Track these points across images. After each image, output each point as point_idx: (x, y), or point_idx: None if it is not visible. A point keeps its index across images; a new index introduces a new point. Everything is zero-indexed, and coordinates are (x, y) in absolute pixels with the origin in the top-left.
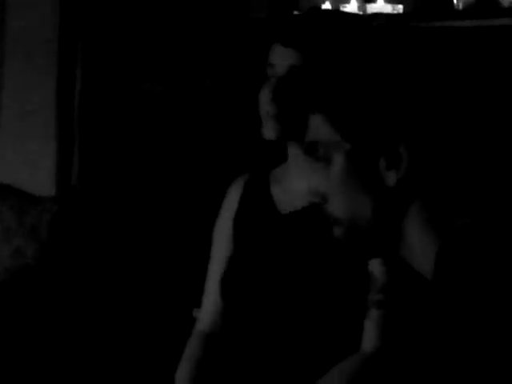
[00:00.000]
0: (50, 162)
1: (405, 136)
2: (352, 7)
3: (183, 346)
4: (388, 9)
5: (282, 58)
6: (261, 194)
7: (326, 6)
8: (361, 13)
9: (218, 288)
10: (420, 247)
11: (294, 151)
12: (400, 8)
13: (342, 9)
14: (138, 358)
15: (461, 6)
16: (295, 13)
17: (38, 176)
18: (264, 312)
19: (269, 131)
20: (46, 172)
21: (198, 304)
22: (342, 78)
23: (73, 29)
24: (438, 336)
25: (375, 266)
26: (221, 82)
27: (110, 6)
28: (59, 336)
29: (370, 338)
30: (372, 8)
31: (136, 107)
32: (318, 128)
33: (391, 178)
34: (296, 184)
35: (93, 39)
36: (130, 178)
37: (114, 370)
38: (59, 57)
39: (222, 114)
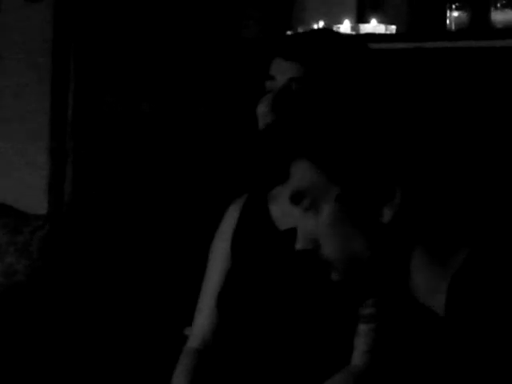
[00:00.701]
0: (42, 181)
1: (397, 171)
2: (345, 27)
3: (174, 362)
4: (381, 29)
5: (282, 71)
6: (259, 213)
7: (320, 26)
8: (354, 33)
9: (212, 304)
10: (425, 283)
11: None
12: (393, 28)
13: (335, 29)
14: (130, 375)
15: (453, 27)
16: (288, 33)
17: (30, 194)
18: (259, 328)
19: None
20: (38, 190)
21: (190, 322)
22: (327, 114)
23: (65, 45)
24: (442, 361)
25: None
26: (214, 104)
27: (105, 21)
28: (51, 351)
29: (358, 354)
30: (365, 28)
31: (129, 126)
32: (303, 175)
33: (387, 215)
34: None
35: (86, 55)
36: (123, 196)
37: None
38: (52, 76)
39: (218, 133)
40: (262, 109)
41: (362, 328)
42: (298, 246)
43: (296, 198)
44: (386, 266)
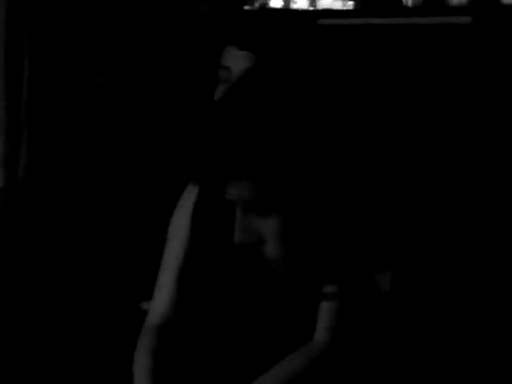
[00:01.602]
0: None
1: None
2: (302, 3)
3: (131, 337)
4: (338, 5)
5: (237, 61)
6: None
7: (276, 2)
8: (311, 8)
9: (172, 280)
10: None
11: None
12: (350, 4)
13: (292, 5)
14: (86, 354)
15: (410, 3)
16: (246, 8)
17: None
18: (221, 305)
19: None
20: None
21: (146, 297)
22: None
23: (20, 19)
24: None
25: None
26: (170, 79)
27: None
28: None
29: (320, 330)
30: (322, 4)
31: (86, 100)
32: (252, 186)
33: None
34: None
35: (40, 29)
36: (79, 171)
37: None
38: (6, 48)
39: (175, 108)
40: (217, 98)
41: (325, 305)
42: (237, 239)
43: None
44: (337, 258)
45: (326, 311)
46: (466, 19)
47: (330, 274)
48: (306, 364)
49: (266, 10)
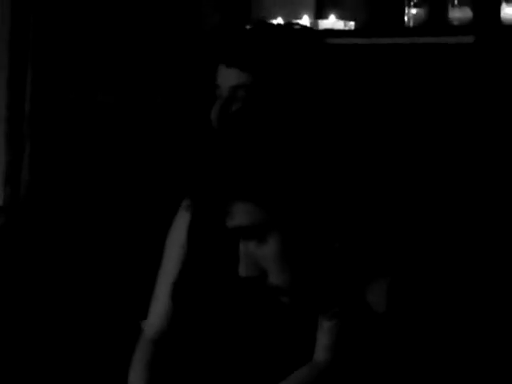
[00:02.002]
0: None
1: (340, 202)
2: (304, 23)
3: (129, 350)
4: (340, 25)
5: (225, 79)
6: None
7: (278, 21)
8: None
9: (167, 293)
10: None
11: None
12: (352, 25)
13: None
14: (85, 367)
15: (411, 24)
16: (247, 27)
17: None
18: (216, 318)
19: None
20: None
21: (145, 315)
22: (267, 148)
23: (24, 31)
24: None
25: None
26: (172, 96)
27: (62, 11)
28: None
29: (321, 349)
30: (324, 24)
31: (87, 116)
32: (245, 214)
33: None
34: None
35: (45, 44)
36: (81, 187)
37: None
38: (9, 66)
39: (175, 124)
40: (211, 116)
41: (325, 324)
42: (242, 273)
43: (240, 232)
44: (337, 283)
45: (325, 330)
46: (469, 39)
47: (330, 297)
48: (310, 381)
49: (259, 25)
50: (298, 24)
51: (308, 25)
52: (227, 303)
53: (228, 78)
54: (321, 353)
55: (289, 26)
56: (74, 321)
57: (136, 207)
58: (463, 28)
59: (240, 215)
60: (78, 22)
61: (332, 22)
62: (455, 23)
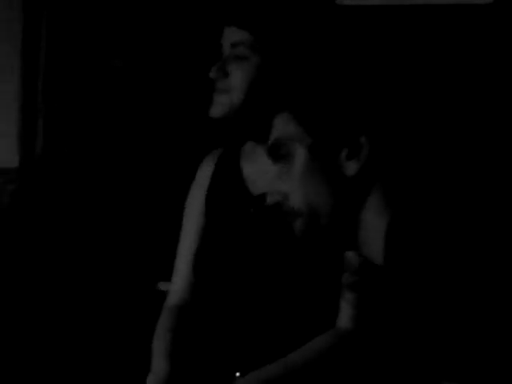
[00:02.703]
0: (12, 134)
1: (366, 126)
2: None
3: (152, 318)
4: None
5: (225, 37)
6: (231, 172)
7: None
8: None
9: (189, 262)
10: (373, 231)
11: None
12: None
13: None
14: (105, 332)
15: None
16: None
17: (0, 149)
18: (237, 288)
19: (213, 108)
20: (9, 144)
21: (164, 278)
22: (304, 70)
23: (36, 26)
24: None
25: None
26: (189, 60)
27: None
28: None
29: (345, 318)
30: None
31: (101, 81)
32: (284, 126)
33: (352, 168)
34: (266, 164)
35: (58, 11)
36: (96, 152)
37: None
38: (23, 33)
39: (191, 88)
40: (210, 74)
41: (349, 295)
42: (269, 199)
43: (273, 149)
44: (347, 217)
45: (348, 300)
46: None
47: (337, 224)
48: (334, 345)
49: None
50: None
51: None
52: (246, 270)
53: (227, 36)
54: (344, 321)
55: None
56: (91, 289)
57: (155, 169)
58: None
59: (279, 128)
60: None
61: None
62: None
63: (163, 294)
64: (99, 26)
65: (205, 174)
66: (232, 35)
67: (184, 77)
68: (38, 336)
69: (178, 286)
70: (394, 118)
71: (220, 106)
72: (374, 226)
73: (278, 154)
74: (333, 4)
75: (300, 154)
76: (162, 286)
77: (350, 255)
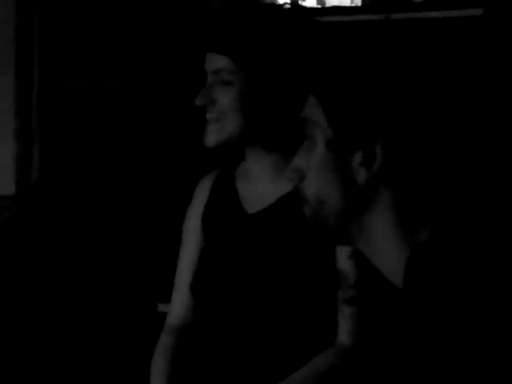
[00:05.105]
0: (8, 160)
1: (383, 135)
2: (311, 1)
3: (151, 340)
4: (347, 1)
5: (207, 64)
6: (227, 191)
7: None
8: (319, 6)
9: (187, 284)
10: (384, 247)
11: (255, 152)
12: (358, 0)
13: (300, 2)
14: (104, 353)
15: None
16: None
17: None
18: (235, 308)
19: (207, 137)
20: (5, 171)
21: (163, 299)
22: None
23: (29, 24)
24: (409, 336)
25: (343, 261)
26: (181, 78)
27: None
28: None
29: (344, 334)
30: (331, 1)
31: (96, 104)
32: (312, 109)
33: (362, 175)
34: (261, 183)
35: (51, 35)
36: (91, 175)
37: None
38: (16, 57)
39: (185, 108)
40: (196, 102)
41: (346, 310)
42: (289, 175)
43: (301, 123)
44: (352, 217)
45: (346, 316)
46: (478, 11)
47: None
48: (336, 365)
49: (234, 6)
50: (288, 3)
51: (315, 2)
52: (245, 289)
53: (209, 62)
54: (344, 336)
55: (275, 6)
56: (90, 309)
57: (150, 195)
58: (472, 0)
59: (309, 109)
60: (84, 8)
61: None
62: None
63: (163, 316)
64: (92, 49)
65: (201, 195)
66: (213, 62)
67: (178, 98)
68: (33, 360)
69: (177, 306)
70: (412, 128)
71: (214, 134)
72: (383, 241)
73: (304, 130)
74: (313, 20)
75: (321, 144)
76: (162, 307)
77: (346, 268)
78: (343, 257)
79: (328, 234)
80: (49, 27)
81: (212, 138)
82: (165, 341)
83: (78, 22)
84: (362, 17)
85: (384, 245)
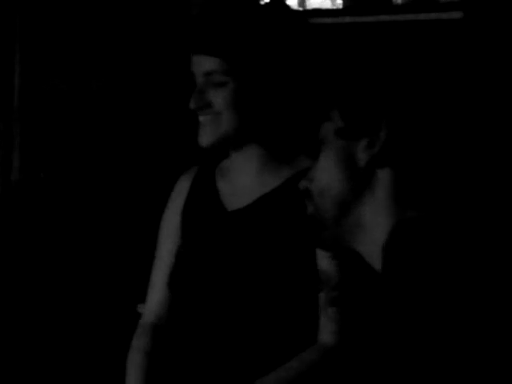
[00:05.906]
0: None
1: (388, 120)
2: (292, 2)
3: (128, 338)
4: (327, 4)
5: (196, 66)
6: (207, 189)
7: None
8: (301, 8)
9: (164, 281)
10: (371, 230)
11: (244, 148)
12: (340, 3)
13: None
14: (82, 353)
15: (400, 1)
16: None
17: None
18: (213, 306)
19: (202, 137)
20: None
21: (142, 300)
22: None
23: (10, 26)
24: (386, 327)
25: (325, 263)
26: (164, 80)
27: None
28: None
29: (327, 334)
30: (311, 4)
31: (79, 105)
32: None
33: (363, 158)
34: (243, 180)
35: (32, 36)
36: (73, 177)
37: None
38: None
39: (168, 108)
40: (189, 105)
41: (328, 310)
42: (301, 185)
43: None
44: (350, 209)
45: (329, 316)
46: (457, 15)
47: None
48: (318, 363)
49: (219, 6)
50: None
51: (296, 4)
52: (224, 287)
53: (198, 64)
54: (326, 336)
55: (260, 5)
56: (71, 310)
57: (130, 192)
58: (452, 4)
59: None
60: (67, 9)
61: (320, 0)
62: (443, 0)
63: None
64: (74, 50)
65: (181, 192)
66: (203, 64)
67: (164, 98)
68: (21, 356)
69: (153, 303)
70: (413, 115)
71: (209, 134)
72: (373, 226)
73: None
74: (304, 21)
75: (330, 128)
76: (141, 308)
77: (328, 269)
78: (325, 257)
79: (319, 235)
80: (30, 29)
81: (208, 137)
82: (140, 336)
83: (60, 24)
84: (347, 19)
85: (371, 229)
